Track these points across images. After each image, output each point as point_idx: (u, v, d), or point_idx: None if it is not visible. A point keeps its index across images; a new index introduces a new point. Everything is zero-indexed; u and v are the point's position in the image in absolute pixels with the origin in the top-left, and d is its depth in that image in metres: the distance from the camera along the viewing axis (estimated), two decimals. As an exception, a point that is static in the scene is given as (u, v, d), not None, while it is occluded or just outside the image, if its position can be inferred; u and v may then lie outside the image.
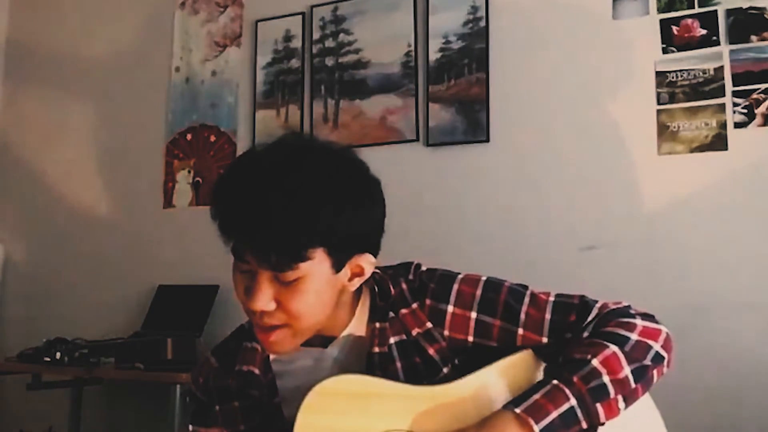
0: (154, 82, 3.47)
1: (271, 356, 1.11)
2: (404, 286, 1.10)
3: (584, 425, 0.98)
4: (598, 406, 0.98)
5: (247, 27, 3.30)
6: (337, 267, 1.01)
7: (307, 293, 0.98)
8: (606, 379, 0.99)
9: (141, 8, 3.57)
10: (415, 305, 1.10)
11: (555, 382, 0.99)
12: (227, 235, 0.98)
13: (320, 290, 1.00)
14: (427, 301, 1.10)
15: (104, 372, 2.86)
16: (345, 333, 1.10)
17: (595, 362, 1.00)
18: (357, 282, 1.05)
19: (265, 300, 0.98)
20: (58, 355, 2.81)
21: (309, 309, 1.00)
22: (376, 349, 1.07)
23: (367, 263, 1.04)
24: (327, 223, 0.96)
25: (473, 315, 1.09)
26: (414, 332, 1.09)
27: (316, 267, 0.98)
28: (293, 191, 0.94)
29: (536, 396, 0.98)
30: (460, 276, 1.12)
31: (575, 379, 0.99)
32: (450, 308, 1.09)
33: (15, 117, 3.85)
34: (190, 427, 1.15)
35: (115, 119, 3.56)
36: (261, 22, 3.25)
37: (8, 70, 3.91)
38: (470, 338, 1.09)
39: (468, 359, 1.09)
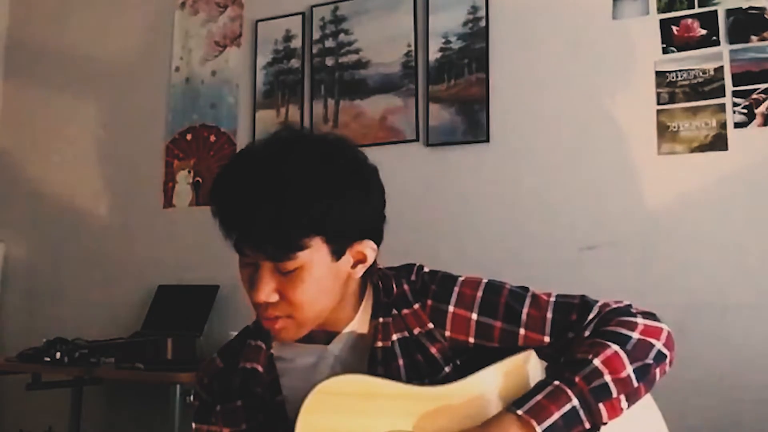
0: (154, 82, 3.47)
1: (275, 354, 1.11)
2: (406, 287, 1.11)
3: (587, 425, 0.98)
4: (601, 405, 0.98)
5: (247, 27, 3.30)
6: (337, 255, 1.01)
7: (307, 282, 0.99)
8: (608, 378, 0.99)
9: (141, 8, 3.57)
10: (416, 306, 1.10)
11: (557, 382, 0.99)
12: (226, 229, 1.00)
13: (321, 279, 1.01)
14: (429, 302, 1.10)
15: (104, 372, 2.86)
16: (348, 329, 1.10)
17: (596, 362, 1.00)
18: (361, 269, 1.06)
19: (267, 291, 1.00)
20: (58, 355, 2.80)
21: (311, 298, 1.01)
22: (379, 344, 1.08)
23: (369, 249, 1.05)
24: (320, 211, 0.97)
25: (474, 316, 1.09)
26: (416, 331, 1.09)
27: (315, 255, 0.99)
28: (284, 181, 0.96)
29: (538, 397, 0.98)
30: (461, 278, 1.13)
31: (577, 379, 0.99)
32: (451, 309, 1.09)
33: (15, 116, 3.85)
34: (193, 425, 1.15)
35: (115, 119, 3.56)
36: (261, 22, 3.25)
37: (8, 70, 3.91)
38: (471, 339, 1.09)
39: (470, 359, 1.09)
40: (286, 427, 1.02)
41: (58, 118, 3.71)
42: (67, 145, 3.66)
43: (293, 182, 0.96)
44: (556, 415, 0.96)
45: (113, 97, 3.57)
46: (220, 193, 1.01)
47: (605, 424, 1.00)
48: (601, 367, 1.00)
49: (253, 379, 1.10)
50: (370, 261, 1.06)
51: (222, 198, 1.00)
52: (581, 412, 0.97)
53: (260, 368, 1.10)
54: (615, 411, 0.99)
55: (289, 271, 0.99)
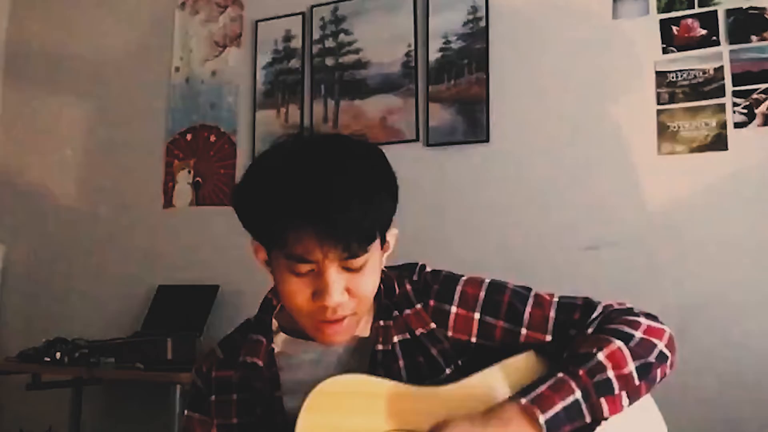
0: (154, 82, 3.46)
1: (276, 349, 1.12)
2: (408, 287, 1.12)
3: (588, 419, 0.98)
4: (603, 400, 0.99)
5: (247, 27, 3.30)
6: (382, 243, 1.05)
7: (371, 274, 1.02)
8: (611, 373, 1.00)
9: (141, 8, 3.57)
10: (419, 306, 1.10)
11: (560, 374, 1.00)
12: (294, 234, 0.96)
13: (377, 269, 1.04)
14: (431, 302, 1.10)
15: (104, 372, 2.86)
16: None
17: (600, 356, 1.00)
18: (386, 257, 1.09)
19: (340, 292, 0.99)
20: (58, 355, 2.81)
21: (373, 289, 1.04)
22: (380, 347, 1.08)
23: (394, 237, 1.08)
24: (386, 204, 1.01)
25: (476, 316, 1.09)
26: (418, 332, 1.09)
27: (375, 247, 1.01)
28: (357, 178, 0.98)
29: (542, 387, 0.99)
30: (463, 278, 1.13)
31: (581, 372, 0.99)
32: (453, 309, 1.10)
33: (14, 117, 3.85)
34: (186, 412, 1.16)
35: (115, 119, 3.56)
36: (261, 22, 3.25)
37: (8, 70, 3.90)
38: (473, 339, 1.09)
39: (471, 360, 1.09)
40: (283, 422, 1.03)
41: (58, 118, 3.70)
42: (66, 146, 3.66)
43: (363, 179, 0.98)
44: (559, 406, 0.96)
45: (113, 97, 3.57)
46: (286, 197, 0.96)
47: (606, 419, 1.00)
48: (604, 361, 1.00)
49: (252, 374, 1.10)
50: (391, 249, 1.09)
51: (291, 201, 0.96)
52: (583, 406, 0.98)
53: (260, 363, 1.10)
54: (616, 407, 1.00)
55: (357, 266, 0.99)
